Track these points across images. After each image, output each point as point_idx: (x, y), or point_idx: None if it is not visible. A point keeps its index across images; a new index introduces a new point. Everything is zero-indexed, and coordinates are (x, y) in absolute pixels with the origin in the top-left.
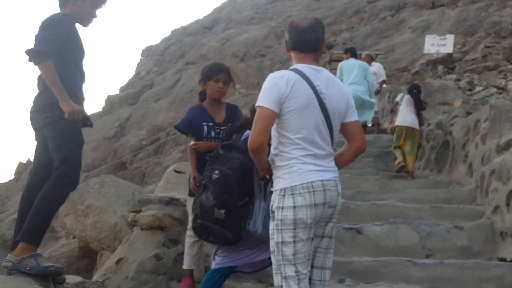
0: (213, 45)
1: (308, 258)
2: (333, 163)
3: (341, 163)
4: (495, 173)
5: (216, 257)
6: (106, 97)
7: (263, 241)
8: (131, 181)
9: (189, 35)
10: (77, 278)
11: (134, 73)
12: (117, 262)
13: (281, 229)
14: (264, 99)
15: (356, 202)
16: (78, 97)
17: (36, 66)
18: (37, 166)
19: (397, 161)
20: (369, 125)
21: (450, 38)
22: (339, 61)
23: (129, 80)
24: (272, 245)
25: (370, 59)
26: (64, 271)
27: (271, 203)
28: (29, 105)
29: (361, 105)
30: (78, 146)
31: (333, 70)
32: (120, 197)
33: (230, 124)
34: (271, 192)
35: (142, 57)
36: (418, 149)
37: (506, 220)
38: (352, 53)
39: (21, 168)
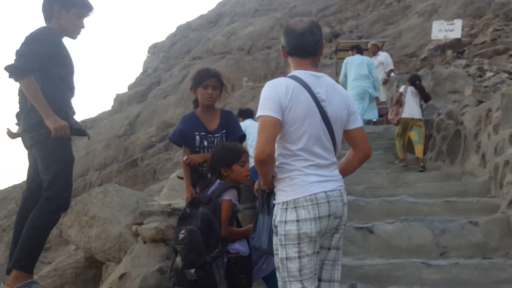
0: (218, 39)
1: (315, 273)
2: (337, 172)
3: (347, 172)
4: (509, 164)
5: None
6: (115, 96)
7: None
8: (143, 178)
9: (194, 31)
10: None
11: (141, 70)
12: (120, 277)
13: (285, 244)
14: (265, 108)
15: (366, 199)
16: (66, 113)
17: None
18: (30, 187)
19: (398, 161)
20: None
21: (458, 23)
22: (345, 50)
23: (136, 78)
24: (277, 261)
25: (376, 49)
26: None
27: (273, 217)
28: None
29: (371, 100)
30: (68, 164)
31: (340, 60)
32: (124, 207)
33: (224, 131)
34: (273, 206)
35: (149, 55)
36: (429, 139)
37: None
38: (357, 49)
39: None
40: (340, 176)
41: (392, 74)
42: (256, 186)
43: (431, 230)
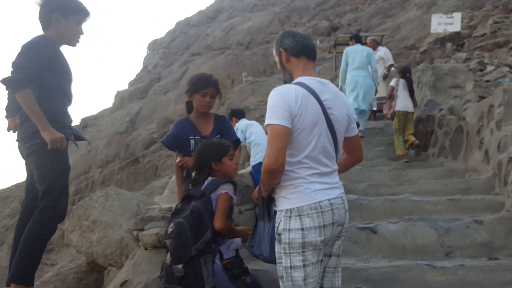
0: (217, 35)
1: (318, 282)
2: (337, 179)
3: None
4: None
5: None
6: (116, 93)
7: None
8: (145, 175)
9: (193, 26)
10: None
11: (141, 67)
12: (122, 285)
13: (289, 253)
14: (275, 116)
15: (369, 197)
16: (64, 123)
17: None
18: (29, 197)
19: (401, 153)
20: (374, 108)
21: (457, 16)
22: (344, 44)
23: (137, 75)
24: (280, 270)
25: (375, 44)
26: None
27: (276, 224)
28: None
29: (369, 90)
30: (63, 174)
31: (339, 54)
32: (125, 210)
33: (218, 136)
34: (275, 213)
35: (149, 51)
36: (431, 135)
37: None
38: (357, 39)
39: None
40: (341, 183)
41: (392, 68)
42: (255, 193)
43: (435, 230)
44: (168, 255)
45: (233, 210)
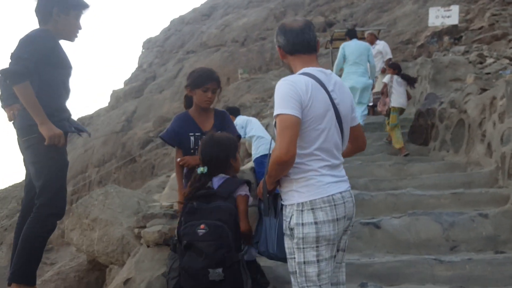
0: (212, 32)
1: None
2: (344, 172)
3: None
4: None
5: None
6: (111, 92)
7: None
8: (142, 174)
9: (188, 24)
10: None
11: (136, 66)
12: (125, 283)
13: (303, 248)
14: (285, 106)
15: (370, 192)
16: (62, 116)
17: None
18: (28, 195)
19: (399, 146)
20: (370, 103)
21: (455, 9)
22: (340, 39)
23: (132, 74)
24: (293, 265)
25: (373, 38)
26: None
27: (287, 219)
28: None
29: (365, 88)
30: (61, 169)
31: (335, 50)
32: (125, 208)
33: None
34: (281, 208)
35: (143, 50)
36: (431, 129)
37: None
38: (350, 35)
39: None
40: (347, 177)
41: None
42: (260, 188)
43: (440, 224)
44: (189, 259)
45: None
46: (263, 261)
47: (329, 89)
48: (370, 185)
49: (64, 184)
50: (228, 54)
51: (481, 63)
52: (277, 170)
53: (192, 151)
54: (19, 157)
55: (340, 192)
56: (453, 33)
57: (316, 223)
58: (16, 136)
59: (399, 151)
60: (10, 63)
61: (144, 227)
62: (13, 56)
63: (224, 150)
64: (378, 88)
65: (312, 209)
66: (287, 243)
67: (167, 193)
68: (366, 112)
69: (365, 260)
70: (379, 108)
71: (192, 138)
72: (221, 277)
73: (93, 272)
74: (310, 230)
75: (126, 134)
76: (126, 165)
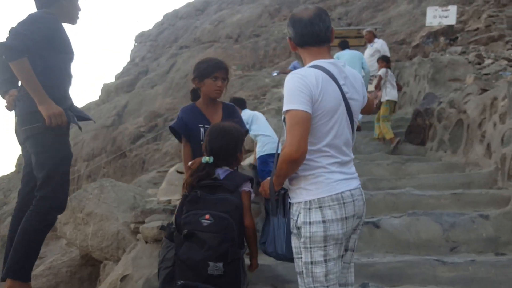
0: (206, 27)
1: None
2: (354, 169)
3: None
4: None
5: None
6: (102, 86)
7: None
8: (132, 169)
9: (181, 19)
10: None
11: (128, 60)
12: (122, 279)
13: (310, 247)
14: (295, 101)
15: (369, 191)
16: (65, 105)
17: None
18: (27, 187)
19: (389, 137)
20: None
21: (453, 9)
22: (336, 38)
23: (124, 68)
24: (300, 265)
25: (372, 36)
26: None
27: (294, 217)
28: None
29: None
30: (64, 160)
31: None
32: (121, 203)
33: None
34: (289, 206)
35: (136, 44)
36: (429, 128)
37: None
38: (344, 46)
39: (21, 160)
40: (357, 174)
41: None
42: (265, 187)
43: (440, 225)
44: (194, 247)
45: None
46: (262, 259)
47: (340, 82)
48: (369, 184)
49: (67, 177)
50: (221, 50)
51: (479, 63)
52: (287, 169)
53: (202, 142)
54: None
55: (350, 190)
56: (449, 34)
57: (324, 221)
58: (14, 125)
59: (390, 141)
60: (8, 38)
61: (143, 222)
62: (12, 31)
63: (234, 141)
64: (372, 88)
65: (320, 207)
66: (294, 242)
67: (164, 188)
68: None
69: (366, 260)
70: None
71: (202, 130)
72: (220, 272)
73: (86, 267)
74: (318, 229)
75: (116, 129)
76: (116, 160)
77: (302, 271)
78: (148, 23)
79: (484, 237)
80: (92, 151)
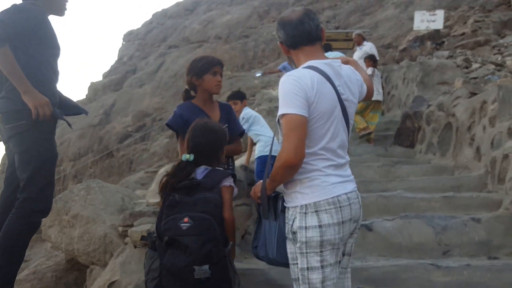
0: (195, 27)
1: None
2: (350, 171)
3: None
4: (508, 158)
5: None
6: (89, 84)
7: None
8: (119, 169)
9: (170, 18)
10: None
11: (116, 58)
12: (109, 285)
13: (306, 253)
14: (291, 105)
15: (361, 194)
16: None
17: None
18: (9, 189)
19: (362, 126)
20: None
21: (440, 13)
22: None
23: (111, 66)
24: (295, 271)
25: (361, 39)
26: None
27: (290, 222)
28: None
29: None
30: (49, 161)
31: None
32: (109, 205)
33: (226, 125)
34: (281, 210)
35: (124, 42)
36: (418, 131)
37: None
38: (327, 49)
39: (5, 160)
40: (353, 176)
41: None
42: (256, 190)
43: (432, 228)
44: (176, 253)
45: None
46: (255, 264)
47: (336, 83)
48: (360, 186)
49: (52, 179)
50: (210, 51)
51: (467, 67)
52: (283, 175)
53: None
54: None
55: (346, 193)
56: (435, 38)
57: (320, 226)
58: None
59: (363, 130)
60: None
61: (131, 225)
62: None
63: (218, 140)
64: None
65: (316, 211)
66: (290, 247)
67: (154, 189)
68: None
69: (360, 264)
70: None
71: None
72: (207, 275)
73: (71, 272)
74: (314, 233)
75: (103, 128)
76: (103, 160)
77: (298, 278)
78: (136, 22)
79: (477, 240)
80: (78, 150)
